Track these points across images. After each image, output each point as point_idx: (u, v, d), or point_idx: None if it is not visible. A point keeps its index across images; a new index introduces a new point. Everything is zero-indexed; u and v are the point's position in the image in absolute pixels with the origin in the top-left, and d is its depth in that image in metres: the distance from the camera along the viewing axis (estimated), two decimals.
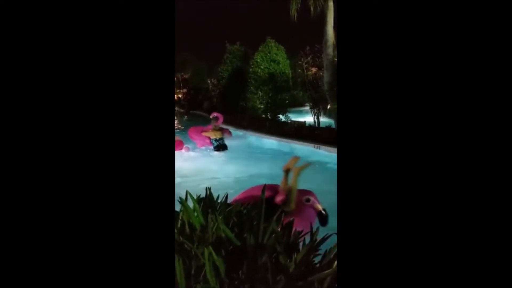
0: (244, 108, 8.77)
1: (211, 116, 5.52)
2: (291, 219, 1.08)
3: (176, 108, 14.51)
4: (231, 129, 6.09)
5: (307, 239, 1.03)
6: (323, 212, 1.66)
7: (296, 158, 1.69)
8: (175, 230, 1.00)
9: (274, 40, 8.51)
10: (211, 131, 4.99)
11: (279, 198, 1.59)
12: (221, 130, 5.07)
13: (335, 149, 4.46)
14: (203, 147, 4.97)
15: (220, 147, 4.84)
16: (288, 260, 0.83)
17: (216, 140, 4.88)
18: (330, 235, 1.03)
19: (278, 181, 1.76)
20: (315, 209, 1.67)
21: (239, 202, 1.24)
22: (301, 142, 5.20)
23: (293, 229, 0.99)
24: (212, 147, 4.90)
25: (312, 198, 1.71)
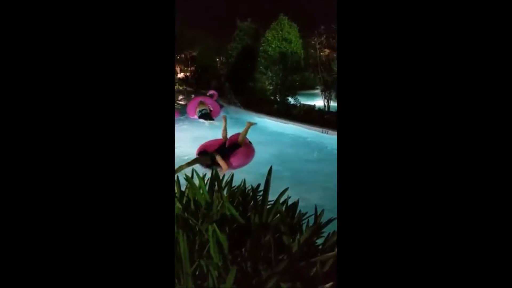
0: (252, 89, 8.60)
1: (207, 94, 6.97)
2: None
3: (184, 87, 14.41)
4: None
5: (311, 221, 1.04)
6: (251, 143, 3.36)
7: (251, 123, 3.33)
8: (180, 207, 1.02)
9: (287, 18, 8.09)
10: (198, 106, 6.09)
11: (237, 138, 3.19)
12: (205, 104, 6.17)
13: None
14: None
15: (204, 115, 5.85)
16: (291, 240, 0.84)
17: (199, 111, 5.89)
18: (334, 219, 1.03)
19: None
20: (250, 145, 3.27)
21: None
22: (309, 126, 5.12)
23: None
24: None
25: (249, 140, 3.34)
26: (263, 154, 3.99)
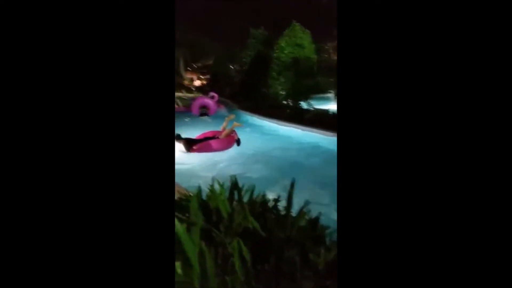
0: (265, 95, 8.63)
1: (209, 95, 8.77)
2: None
3: (200, 95, 14.74)
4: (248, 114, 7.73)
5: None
6: (239, 138, 4.30)
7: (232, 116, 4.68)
8: (202, 216, 1.01)
9: (299, 24, 8.11)
10: (199, 109, 7.99)
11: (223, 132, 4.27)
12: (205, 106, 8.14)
13: None
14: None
15: (203, 114, 7.75)
16: (317, 257, 0.81)
17: (199, 110, 7.82)
18: None
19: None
20: (235, 137, 4.27)
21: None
22: (321, 131, 5.03)
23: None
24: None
25: (235, 131, 4.36)
26: (276, 160, 3.96)
